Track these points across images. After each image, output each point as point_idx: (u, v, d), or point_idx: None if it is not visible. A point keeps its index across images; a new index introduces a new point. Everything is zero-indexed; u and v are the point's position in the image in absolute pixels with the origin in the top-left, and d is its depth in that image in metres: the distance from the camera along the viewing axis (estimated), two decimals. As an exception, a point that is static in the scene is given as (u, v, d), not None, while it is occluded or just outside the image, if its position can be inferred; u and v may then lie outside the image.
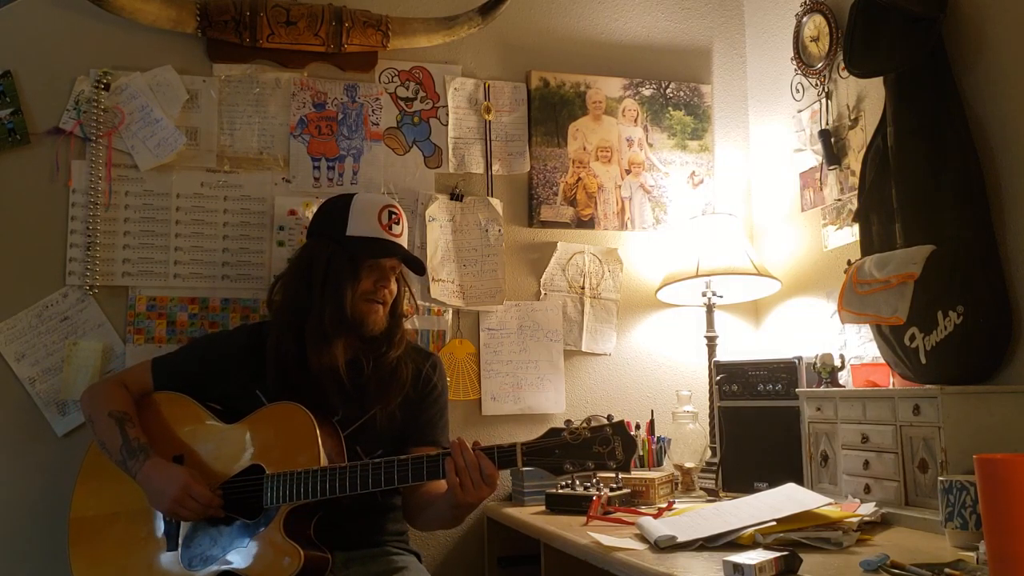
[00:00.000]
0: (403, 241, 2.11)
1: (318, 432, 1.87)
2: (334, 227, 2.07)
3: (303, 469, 1.83)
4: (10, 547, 2.24)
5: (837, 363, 2.19)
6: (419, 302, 2.57)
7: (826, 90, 2.50)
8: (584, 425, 1.78)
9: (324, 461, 1.85)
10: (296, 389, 1.99)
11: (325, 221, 2.12)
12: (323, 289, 2.02)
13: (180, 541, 1.92)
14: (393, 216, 2.09)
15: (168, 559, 1.91)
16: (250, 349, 2.06)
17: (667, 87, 2.88)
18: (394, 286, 2.11)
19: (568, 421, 1.81)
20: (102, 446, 1.97)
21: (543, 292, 2.71)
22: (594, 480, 2.19)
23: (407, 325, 2.50)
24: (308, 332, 2.01)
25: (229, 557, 1.86)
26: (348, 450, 1.97)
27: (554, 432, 1.78)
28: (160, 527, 1.95)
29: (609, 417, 1.79)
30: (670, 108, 2.88)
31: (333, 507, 1.87)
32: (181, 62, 2.46)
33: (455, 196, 2.65)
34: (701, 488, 2.43)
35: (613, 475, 1.84)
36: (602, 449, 1.75)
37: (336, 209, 2.10)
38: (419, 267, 2.14)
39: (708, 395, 2.59)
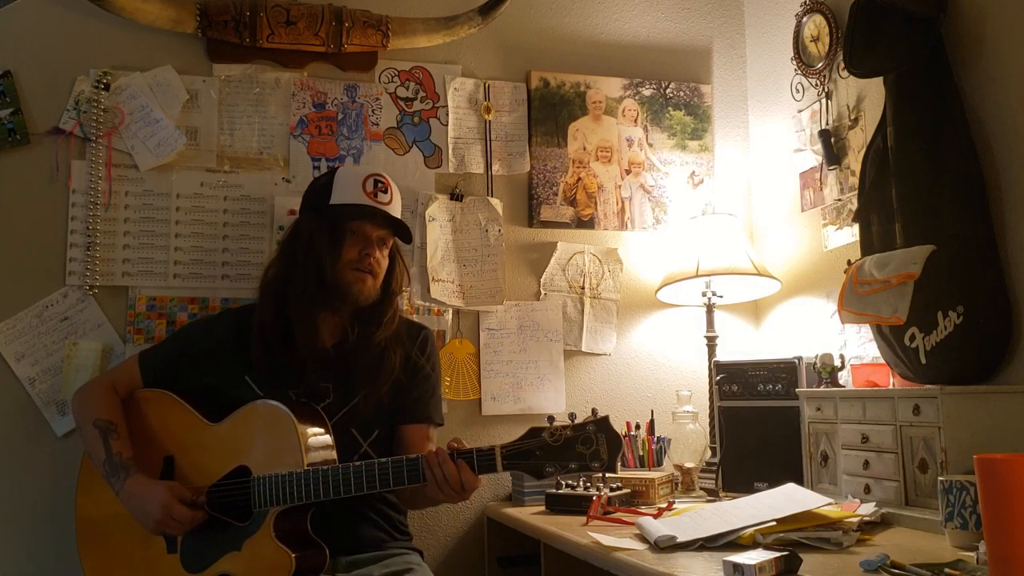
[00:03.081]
0: (392, 209, 2.06)
1: (299, 433, 1.84)
2: (319, 199, 2.06)
3: (287, 472, 1.81)
4: (10, 546, 2.24)
5: (837, 363, 2.19)
6: (419, 302, 2.57)
7: (826, 90, 2.51)
8: (566, 423, 1.71)
9: (308, 462, 1.82)
10: (283, 372, 1.97)
11: (310, 194, 2.12)
12: (305, 259, 2.00)
13: (179, 543, 1.91)
14: (379, 184, 2.05)
15: (169, 561, 1.91)
16: (236, 334, 2.04)
17: (667, 87, 2.88)
18: (383, 257, 2.07)
19: (550, 417, 1.72)
20: (89, 456, 1.98)
21: (543, 292, 2.71)
22: (594, 479, 2.19)
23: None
24: (291, 304, 1.99)
25: (224, 561, 1.85)
26: (344, 434, 1.95)
27: (534, 432, 1.71)
28: None
29: (594, 411, 1.73)
30: (670, 108, 2.88)
31: (330, 505, 1.85)
32: (181, 62, 2.46)
33: (455, 196, 2.65)
34: (701, 488, 2.43)
35: (599, 476, 1.73)
36: (584, 449, 1.67)
37: (320, 182, 2.11)
38: (406, 233, 2.09)
39: (708, 395, 2.59)
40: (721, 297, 2.65)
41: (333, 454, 1.91)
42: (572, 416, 1.73)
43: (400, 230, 2.08)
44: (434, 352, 2.20)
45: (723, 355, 2.60)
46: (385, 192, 2.05)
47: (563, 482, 2.21)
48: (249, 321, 2.05)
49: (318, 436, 1.90)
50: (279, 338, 1.99)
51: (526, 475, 1.77)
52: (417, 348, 2.14)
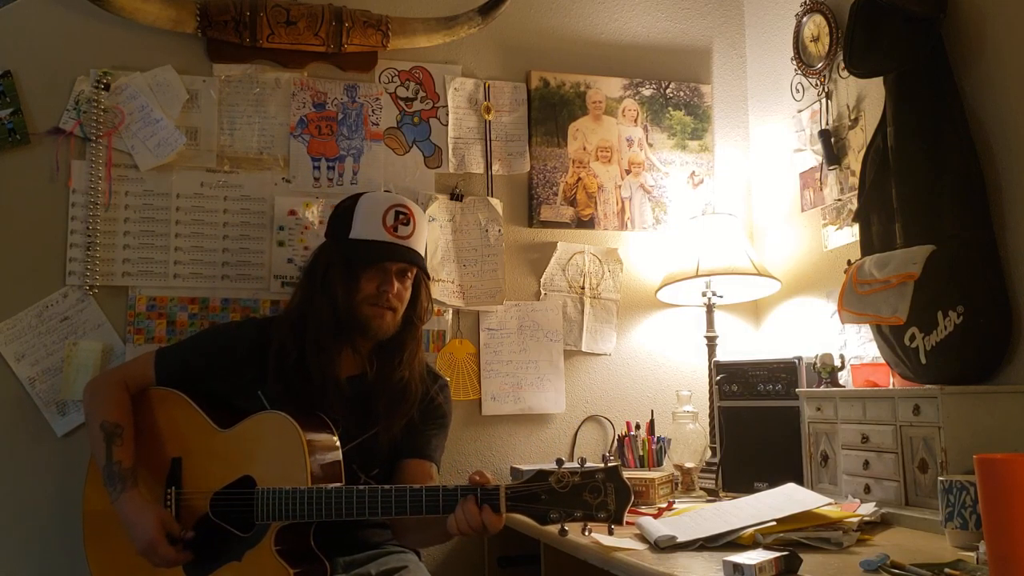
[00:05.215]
0: (413, 242, 2.04)
1: (305, 448, 1.83)
2: (340, 229, 2.05)
3: (292, 488, 1.79)
4: (10, 547, 2.24)
5: (837, 363, 2.19)
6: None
7: (826, 90, 2.51)
8: (575, 469, 1.67)
9: (310, 480, 1.81)
10: (298, 395, 1.97)
11: (333, 223, 2.10)
12: (321, 293, 2.00)
13: (182, 547, 1.89)
14: (401, 216, 2.02)
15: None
16: (256, 346, 2.03)
17: (667, 87, 2.88)
18: (404, 289, 2.05)
19: (559, 460, 1.69)
20: (93, 455, 1.96)
21: (543, 292, 2.71)
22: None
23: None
24: (307, 337, 1.99)
25: (224, 570, 1.84)
26: (345, 467, 1.93)
27: (542, 475, 1.66)
28: None
29: (605, 459, 1.71)
30: (670, 108, 2.88)
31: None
32: (181, 62, 2.46)
33: (455, 196, 2.65)
34: (701, 488, 2.43)
35: (605, 528, 1.70)
36: (592, 499, 1.63)
37: (344, 210, 2.08)
38: (423, 272, 2.09)
39: (708, 395, 2.59)
40: (721, 297, 2.65)
41: (339, 472, 1.90)
42: (582, 461, 1.69)
43: (421, 265, 2.06)
44: (449, 401, 2.17)
45: (723, 355, 2.60)
46: (407, 224, 2.02)
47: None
48: (269, 334, 2.04)
49: (325, 453, 1.89)
50: (295, 364, 1.99)
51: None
52: (437, 387, 2.13)
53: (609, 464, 1.68)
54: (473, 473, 1.75)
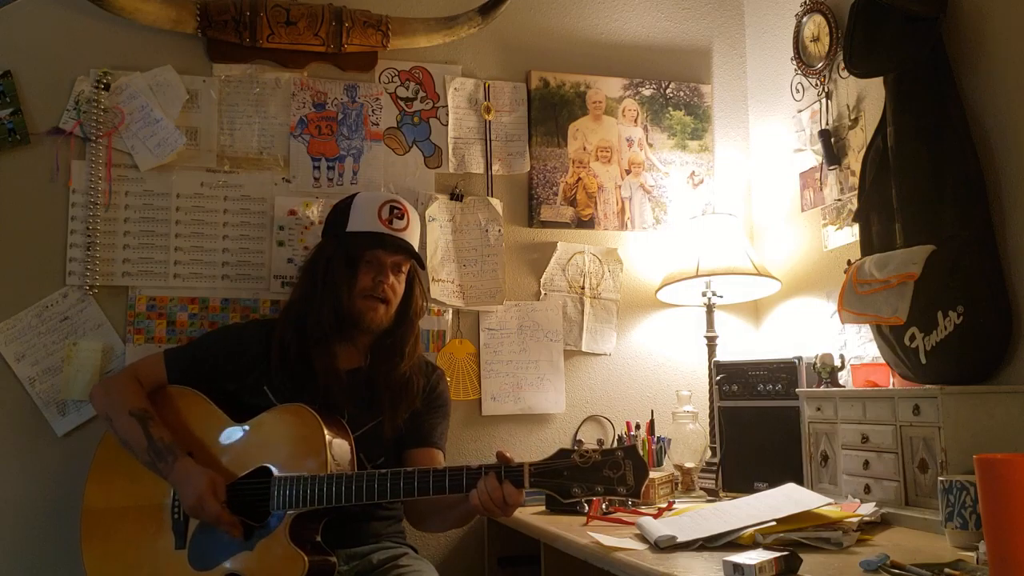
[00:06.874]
0: (408, 235, 2.12)
1: (326, 436, 1.87)
2: (337, 225, 2.13)
3: (310, 475, 1.83)
4: (9, 547, 2.24)
5: (837, 363, 2.19)
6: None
7: (826, 90, 2.50)
8: (595, 448, 1.76)
9: (331, 468, 1.84)
10: (303, 387, 2.01)
11: (330, 221, 2.18)
12: (323, 287, 2.06)
13: (188, 540, 1.92)
14: (395, 211, 2.11)
15: (176, 557, 1.91)
16: (261, 344, 2.08)
17: (667, 87, 2.88)
18: (398, 283, 2.12)
19: (579, 442, 1.78)
20: (126, 445, 1.97)
21: (543, 292, 2.71)
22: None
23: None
24: (308, 330, 2.05)
25: (234, 560, 1.86)
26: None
27: (563, 453, 1.75)
28: (169, 524, 1.94)
29: (620, 439, 1.76)
30: (670, 108, 2.88)
31: (339, 510, 1.87)
32: (181, 62, 2.46)
33: (455, 196, 2.65)
34: (701, 488, 2.43)
35: (625, 500, 1.76)
36: (612, 474, 1.71)
37: (340, 208, 2.16)
38: (418, 262, 2.16)
39: (708, 395, 2.59)
40: (721, 297, 2.65)
41: (352, 462, 1.93)
42: (600, 441, 1.75)
43: (416, 255, 2.13)
44: (447, 390, 2.25)
45: (723, 355, 2.60)
46: (401, 218, 2.11)
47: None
48: (272, 335, 2.09)
49: (340, 444, 1.92)
50: (298, 357, 2.04)
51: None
52: (436, 377, 2.21)
53: (627, 443, 1.71)
54: (498, 451, 1.81)
